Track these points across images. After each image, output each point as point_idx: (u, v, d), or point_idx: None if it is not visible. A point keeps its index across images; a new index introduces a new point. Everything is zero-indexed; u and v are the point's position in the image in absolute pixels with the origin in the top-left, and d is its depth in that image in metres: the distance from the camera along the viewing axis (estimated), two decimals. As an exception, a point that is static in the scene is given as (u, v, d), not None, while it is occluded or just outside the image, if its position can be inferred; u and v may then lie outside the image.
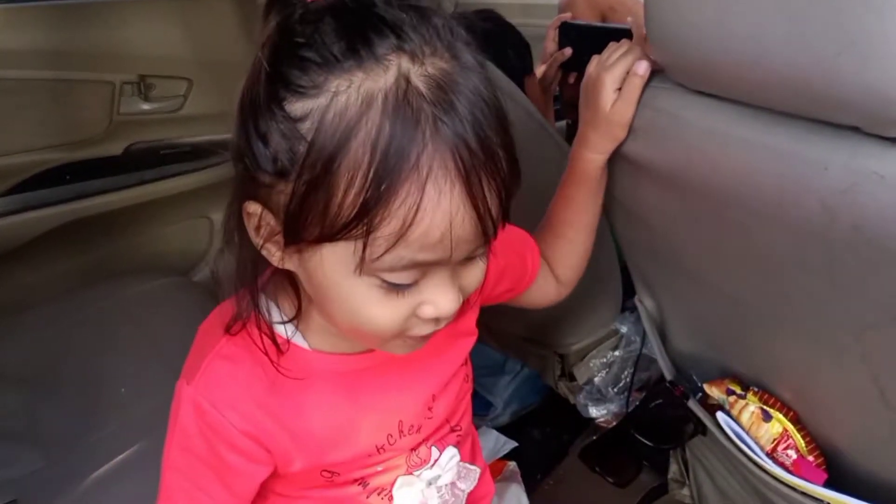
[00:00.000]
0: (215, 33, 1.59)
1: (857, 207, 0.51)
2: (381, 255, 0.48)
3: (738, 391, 0.87)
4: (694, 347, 0.97)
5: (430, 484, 0.74)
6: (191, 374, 0.61)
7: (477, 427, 0.84)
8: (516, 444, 1.38)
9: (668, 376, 0.98)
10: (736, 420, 0.85)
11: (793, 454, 0.80)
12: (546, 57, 1.39)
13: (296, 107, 0.47)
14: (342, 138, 0.46)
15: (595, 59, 0.77)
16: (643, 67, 0.70)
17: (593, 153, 0.78)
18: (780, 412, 0.82)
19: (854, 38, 0.45)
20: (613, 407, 1.31)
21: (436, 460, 0.74)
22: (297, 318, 0.61)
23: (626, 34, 0.94)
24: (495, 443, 1.39)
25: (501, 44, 1.39)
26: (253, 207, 0.53)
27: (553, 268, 0.83)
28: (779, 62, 0.51)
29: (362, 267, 0.49)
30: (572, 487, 1.37)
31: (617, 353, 1.32)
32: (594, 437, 1.08)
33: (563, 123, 1.63)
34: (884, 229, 0.50)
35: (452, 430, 0.76)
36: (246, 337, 0.60)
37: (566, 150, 0.82)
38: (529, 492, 1.13)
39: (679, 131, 0.66)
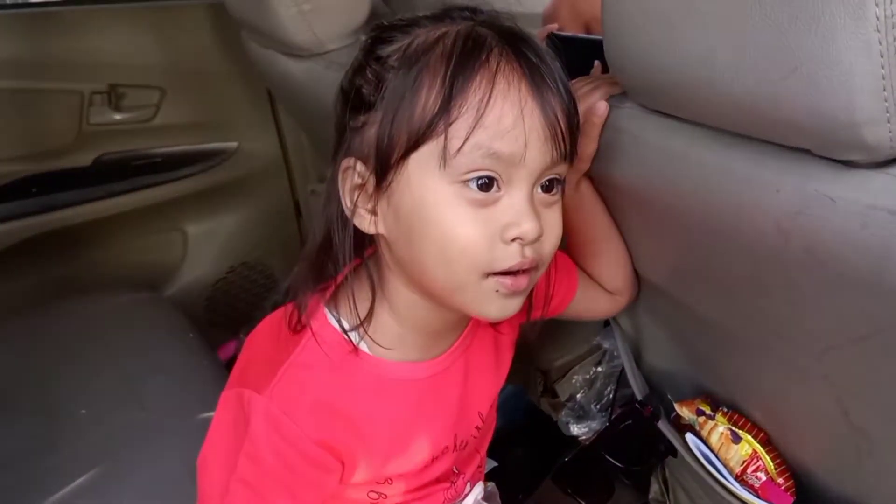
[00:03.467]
0: (188, 42, 1.58)
1: (809, 230, 0.50)
2: (461, 146, 0.54)
3: (708, 411, 0.85)
4: (669, 365, 0.97)
5: None
6: (262, 384, 0.63)
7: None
8: (496, 465, 1.36)
9: (639, 396, 0.96)
10: (705, 441, 0.84)
11: (762, 476, 0.79)
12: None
13: (385, 50, 0.58)
14: (422, 57, 0.56)
15: None
16: (601, 109, 0.69)
17: None
18: (750, 433, 0.81)
19: (799, 62, 0.44)
20: (595, 424, 1.29)
21: (466, 494, 0.81)
22: (367, 319, 0.65)
23: None
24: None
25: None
26: (347, 161, 0.61)
27: (600, 283, 0.85)
28: (729, 84, 0.50)
29: (445, 160, 0.55)
30: (551, 508, 1.36)
31: (600, 368, 1.31)
32: (566, 459, 1.07)
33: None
34: (835, 252, 0.50)
35: (479, 467, 0.84)
36: (318, 345, 0.64)
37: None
38: (509, 512, 1.11)
39: (639, 151, 0.66)
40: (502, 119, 0.54)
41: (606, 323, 1.25)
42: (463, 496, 0.81)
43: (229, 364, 1.69)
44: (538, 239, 0.58)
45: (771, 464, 0.79)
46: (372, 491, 0.70)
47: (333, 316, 0.66)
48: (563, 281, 0.82)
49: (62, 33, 1.44)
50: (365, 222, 0.61)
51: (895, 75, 0.42)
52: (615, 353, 1.27)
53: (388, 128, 0.56)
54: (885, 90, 0.42)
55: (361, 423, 0.66)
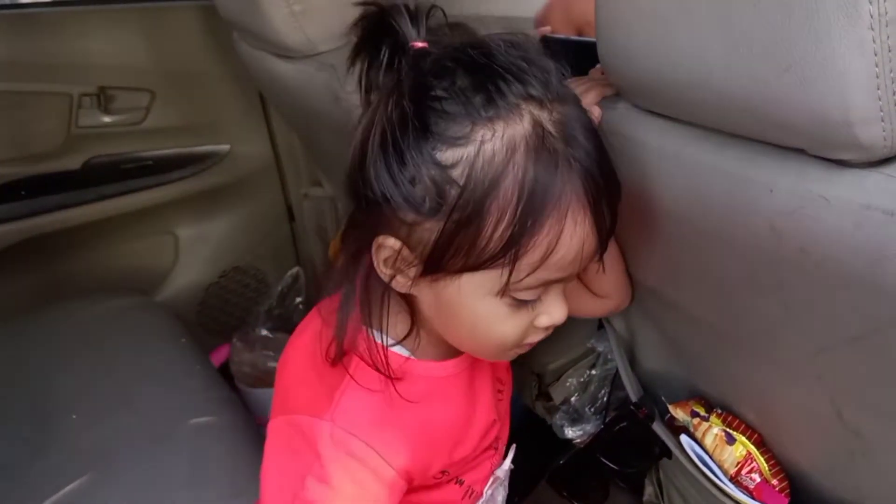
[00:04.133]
0: (178, 44, 1.57)
1: (804, 230, 0.50)
2: (522, 280, 0.56)
3: (702, 413, 0.85)
4: (663, 367, 0.96)
5: (503, 481, 0.84)
6: (320, 409, 0.63)
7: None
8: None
9: (633, 398, 0.96)
10: (699, 443, 0.83)
11: (756, 478, 0.79)
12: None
13: (446, 155, 0.53)
14: (492, 181, 0.53)
15: None
16: (595, 112, 0.69)
17: None
18: (744, 435, 0.81)
19: (793, 61, 0.44)
20: (590, 427, 1.29)
21: (505, 458, 0.85)
22: (409, 335, 0.66)
23: None
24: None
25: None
26: (391, 242, 0.58)
27: (586, 284, 0.85)
28: (722, 83, 0.50)
29: (505, 290, 0.57)
30: (547, 510, 1.35)
31: (594, 371, 1.31)
32: (561, 462, 1.07)
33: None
34: (830, 252, 0.49)
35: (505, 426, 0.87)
36: (368, 364, 0.64)
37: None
38: (505, 515, 1.11)
39: (633, 152, 0.65)
40: (566, 257, 0.55)
41: (600, 326, 1.25)
42: (503, 459, 0.85)
43: (222, 369, 1.68)
44: None
45: (765, 465, 0.79)
46: (438, 471, 0.72)
47: (373, 333, 0.66)
48: None
49: (50, 35, 1.42)
50: (400, 286, 0.62)
51: (889, 74, 0.42)
52: (609, 357, 1.26)
53: (446, 246, 0.55)
54: (878, 89, 0.42)
55: (422, 430, 0.67)
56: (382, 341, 0.65)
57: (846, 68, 0.42)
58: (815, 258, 0.50)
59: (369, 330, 0.66)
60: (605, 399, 1.28)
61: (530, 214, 0.53)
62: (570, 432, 1.31)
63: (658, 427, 0.90)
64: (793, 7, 0.43)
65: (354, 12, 1.08)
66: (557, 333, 1.25)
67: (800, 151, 0.50)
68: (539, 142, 0.53)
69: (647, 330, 0.94)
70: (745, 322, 0.67)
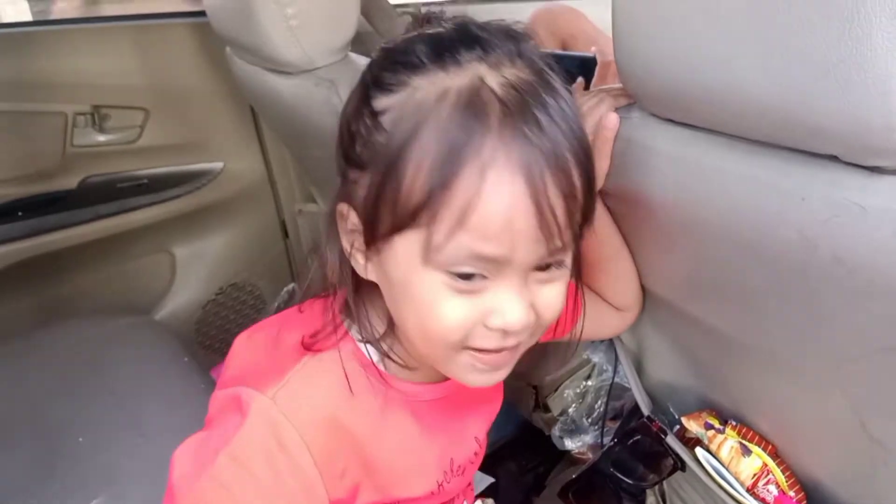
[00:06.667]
0: (172, 61, 1.57)
1: (838, 238, 0.49)
2: (444, 244, 0.50)
3: (717, 425, 0.84)
4: (672, 378, 0.95)
5: None
6: (265, 383, 0.58)
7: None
8: (493, 480, 1.35)
9: (645, 411, 0.95)
10: (715, 455, 0.82)
11: (774, 490, 0.78)
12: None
13: (381, 102, 0.52)
14: (415, 127, 0.50)
15: None
16: (612, 121, 0.67)
17: None
18: (759, 446, 0.80)
19: (831, 65, 0.43)
20: (588, 438, 1.29)
21: None
22: (384, 337, 0.62)
23: (594, 63, 0.94)
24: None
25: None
26: (341, 207, 0.58)
27: (606, 300, 0.83)
28: (753, 90, 0.49)
29: (428, 256, 0.51)
30: (549, 522, 1.34)
31: (590, 382, 1.31)
32: (573, 476, 1.05)
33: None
34: (865, 260, 0.48)
35: (469, 485, 0.81)
36: (333, 353, 0.61)
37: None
38: (506, 527, 1.10)
39: (652, 162, 0.64)
40: (489, 221, 0.49)
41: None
42: None
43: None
44: (527, 327, 0.56)
45: (781, 476, 0.78)
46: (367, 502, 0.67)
47: (352, 328, 0.63)
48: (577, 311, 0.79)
49: (43, 54, 1.42)
50: (359, 267, 0.59)
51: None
52: (605, 367, 1.27)
53: (372, 201, 0.53)
54: (921, 93, 0.41)
55: (367, 442, 0.62)
56: (367, 352, 0.62)
57: (889, 71, 0.41)
58: (849, 266, 0.49)
59: (352, 329, 0.63)
60: (601, 409, 1.29)
61: (447, 163, 0.48)
62: (570, 443, 1.31)
63: (673, 440, 0.88)
64: (832, 8, 0.42)
65: (351, 26, 1.08)
66: (554, 345, 1.26)
67: (832, 158, 0.49)
68: (474, 93, 0.50)
69: (658, 341, 0.93)
70: (767, 333, 0.66)
